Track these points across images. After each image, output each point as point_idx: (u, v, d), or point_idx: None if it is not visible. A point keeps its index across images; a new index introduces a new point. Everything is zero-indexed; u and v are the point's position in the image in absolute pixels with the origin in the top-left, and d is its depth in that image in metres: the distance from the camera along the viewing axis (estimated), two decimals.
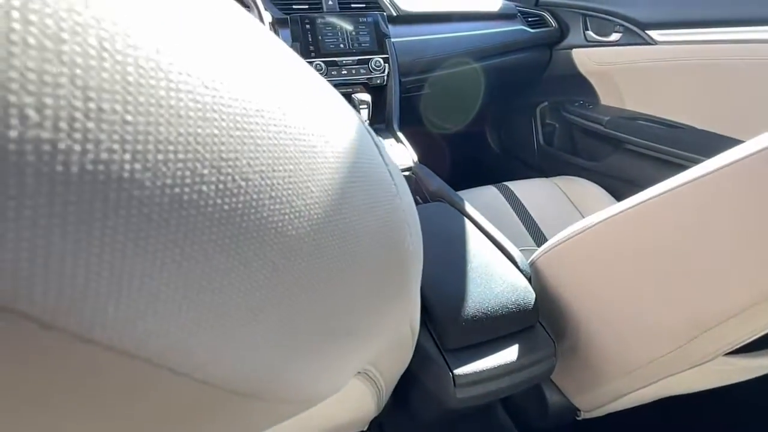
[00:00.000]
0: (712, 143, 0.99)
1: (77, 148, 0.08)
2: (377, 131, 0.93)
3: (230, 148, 0.11)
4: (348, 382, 0.42)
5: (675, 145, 1.03)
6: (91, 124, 0.09)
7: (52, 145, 0.08)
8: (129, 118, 0.09)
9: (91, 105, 0.09)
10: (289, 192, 0.13)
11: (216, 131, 0.11)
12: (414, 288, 0.34)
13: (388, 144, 0.89)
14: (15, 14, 0.08)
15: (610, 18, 1.07)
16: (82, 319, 0.09)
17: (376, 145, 0.20)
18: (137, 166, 0.09)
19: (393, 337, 0.43)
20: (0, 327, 0.08)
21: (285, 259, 0.14)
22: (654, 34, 1.02)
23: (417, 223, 0.28)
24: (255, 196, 0.12)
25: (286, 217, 0.13)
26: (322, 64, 0.87)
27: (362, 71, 0.90)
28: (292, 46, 0.88)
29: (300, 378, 0.19)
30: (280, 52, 0.16)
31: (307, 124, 0.15)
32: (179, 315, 0.11)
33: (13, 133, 0.07)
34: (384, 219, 0.20)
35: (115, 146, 0.09)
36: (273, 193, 0.13)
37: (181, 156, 0.10)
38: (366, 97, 0.88)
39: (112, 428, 0.12)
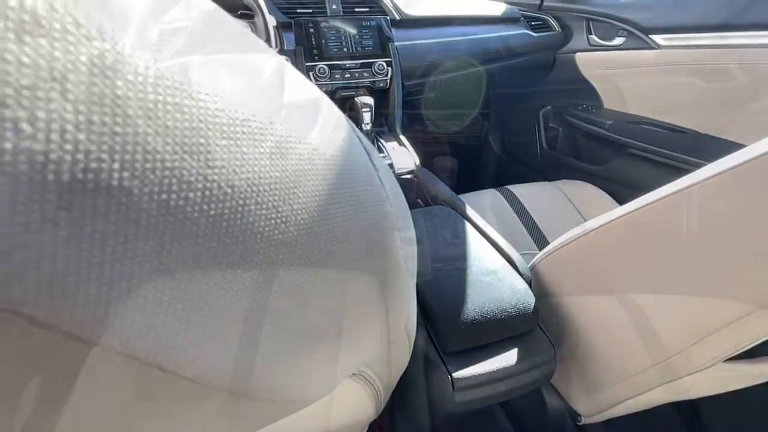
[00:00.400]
0: (714, 147, 0.99)
1: (68, 158, 0.09)
2: (380, 134, 0.93)
3: (216, 157, 0.12)
4: (340, 383, 0.42)
5: (678, 149, 1.03)
6: (81, 136, 0.09)
7: (45, 155, 0.09)
8: (117, 129, 0.10)
9: (81, 117, 0.09)
10: (275, 198, 0.14)
11: (202, 140, 0.12)
12: (407, 291, 0.34)
13: (391, 147, 0.90)
14: (10, 35, 0.08)
15: (614, 22, 1.07)
16: (73, 318, 0.10)
17: (366, 150, 0.21)
18: (125, 174, 0.10)
19: (387, 339, 0.43)
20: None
21: (272, 263, 0.14)
22: (657, 38, 1.02)
23: (410, 227, 0.28)
24: (241, 202, 0.13)
25: (272, 222, 0.14)
26: (326, 68, 0.87)
27: (365, 74, 0.91)
28: (295, 50, 0.89)
29: (290, 378, 0.19)
30: (267, 62, 0.17)
31: (293, 132, 0.15)
32: (167, 315, 0.12)
33: (8, 145, 0.08)
34: (373, 224, 0.20)
35: (104, 156, 0.10)
36: (259, 199, 0.13)
37: (168, 164, 0.11)
38: (369, 100, 0.88)
39: (101, 423, 0.13)
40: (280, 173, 0.14)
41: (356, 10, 0.96)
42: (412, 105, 0.90)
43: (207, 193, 0.12)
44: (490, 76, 0.99)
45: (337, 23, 0.91)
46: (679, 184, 0.48)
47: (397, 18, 0.99)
